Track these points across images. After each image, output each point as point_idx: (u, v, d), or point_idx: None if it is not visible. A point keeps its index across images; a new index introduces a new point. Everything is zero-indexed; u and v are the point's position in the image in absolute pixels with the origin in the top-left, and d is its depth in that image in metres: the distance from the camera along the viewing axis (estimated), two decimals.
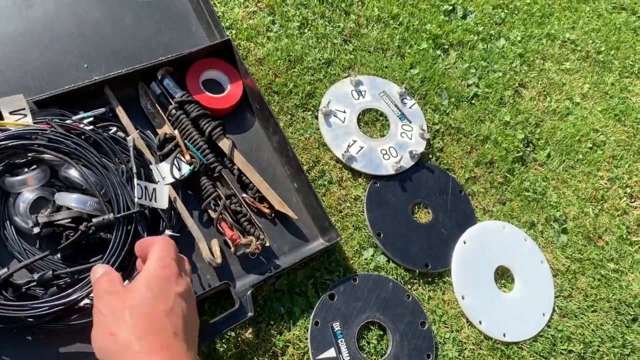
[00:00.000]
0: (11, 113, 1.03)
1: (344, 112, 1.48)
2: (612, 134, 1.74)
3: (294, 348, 1.16)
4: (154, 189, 1.12)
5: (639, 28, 2.06)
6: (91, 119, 1.14)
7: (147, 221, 1.11)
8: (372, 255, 1.32)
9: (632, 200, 1.64)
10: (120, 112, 1.19)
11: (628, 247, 1.54)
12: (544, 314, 1.38)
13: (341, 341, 1.18)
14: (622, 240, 1.55)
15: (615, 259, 1.51)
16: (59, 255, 1.05)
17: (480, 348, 1.29)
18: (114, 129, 1.18)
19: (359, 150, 1.43)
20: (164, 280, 0.81)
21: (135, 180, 1.09)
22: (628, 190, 1.65)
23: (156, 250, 0.85)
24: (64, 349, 1.03)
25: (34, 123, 1.06)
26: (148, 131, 1.24)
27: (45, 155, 1.06)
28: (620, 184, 1.65)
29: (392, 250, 1.33)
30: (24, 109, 1.04)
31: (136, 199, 1.07)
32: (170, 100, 1.26)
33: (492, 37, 1.83)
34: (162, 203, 1.12)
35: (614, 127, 1.76)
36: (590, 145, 1.69)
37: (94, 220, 1.03)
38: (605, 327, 1.40)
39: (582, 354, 1.35)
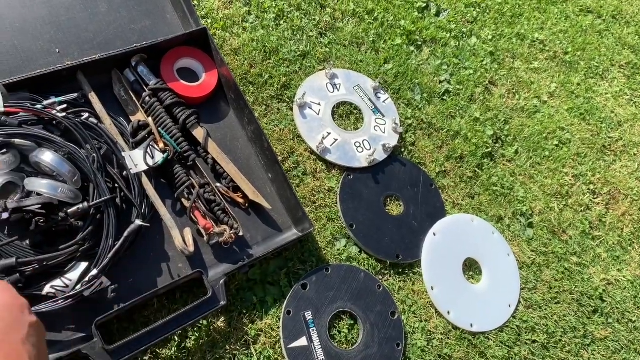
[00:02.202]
0: None
1: (319, 104, 1.49)
2: (577, 132, 1.80)
3: (266, 337, 1.17)
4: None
5: (604, 31, 2.13)
6: (64, 105, 1.13)
7: (118, 209, 1.10)
8: (345, 246, 1.34)
9: (595, 196, 1.70)
10: (93, 98, 1.18)
11: (590, 241, 1.60)
12: (510, 305, 1.42)
13: (313, 330, 1.19)
14: (584, 235, 1.60)
15: (578, 252, 1.56)
16: (27, 242, 1.03)
17: (449, 338, 1.32)
18: (86, 114, 1.16)
19: (333, 143, 1.44)
20: (15, 309, 0.78)
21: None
22: (591, 187, 1.70)
23: (1, 283, 0.82)
24: None
25: (5, 107, 1.03)
26: (121, 118, 1.22)
27: (16, 140, 1.04)
28: (584, 180, 1.70)
29: (364, 241, 1.35)
30: None
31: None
32: (145, 87, 1.25)
33: (464, 35, 1.86)
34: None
35: (579, 126, 1.82)
36: (557, 143, 1.74)
37: (69, 210, 1.01)
38: (568, 318, 1.45)
39: (545, 344, 1.39)
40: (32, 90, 1.14)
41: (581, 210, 1.65)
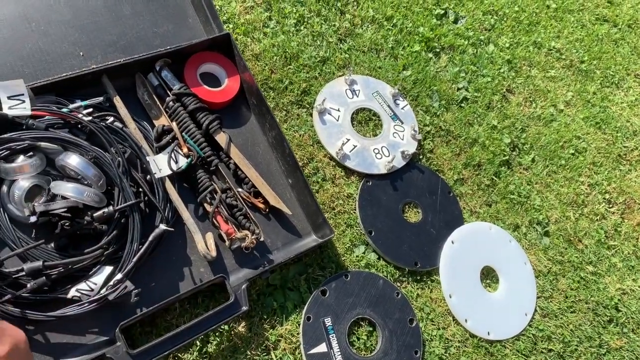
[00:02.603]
0: (9, 98, 1.01)
1: (338, 110, 1.49)
2: (593, 141, 1.80)
3: (286, 342, 1.17)
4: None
5: (619, 40, 2.13)
6: (90, 109, 1.13)
7: (142, 214, 1.11)
8: (364, 253, 1.34)
9: (610, 205, 1.70)
10: (117, 102, 1.18)
11: (606, 251, 1.60)
12: (526, 314, 1.42)
13: (332, 336, 1.20)
14: (600, 244, 1.60)
15: (594, 262, 1.56)
16: (52, 245, 1.04)
17: (466, 346, 1.32)
18: (111, 118, 1.16)
19: (353, 149, 1.45)
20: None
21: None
22: (607, 196, 1.70)
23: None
24: (55, 339, 1.02)
25: (32, 110, 1.04)
26: (144, 122, 1.22)
27: (42, 143, 1.04)
28: (599, 189, 1.70)
29: (383, 248, 1.35)
30: (22, 94, 1.03)
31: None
32: (168, 92, 1.26)
33: (482, 43, 1.87)
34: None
35: (595, 135, 1.82)
36: (573, 152, 1.74)
37: (95, 214, 1.02)
38: (584, 328, 1.45)
39: (561, 353, 1.39)
40: (57, 93, 1.15)
41: (597, 220, 1.65)
